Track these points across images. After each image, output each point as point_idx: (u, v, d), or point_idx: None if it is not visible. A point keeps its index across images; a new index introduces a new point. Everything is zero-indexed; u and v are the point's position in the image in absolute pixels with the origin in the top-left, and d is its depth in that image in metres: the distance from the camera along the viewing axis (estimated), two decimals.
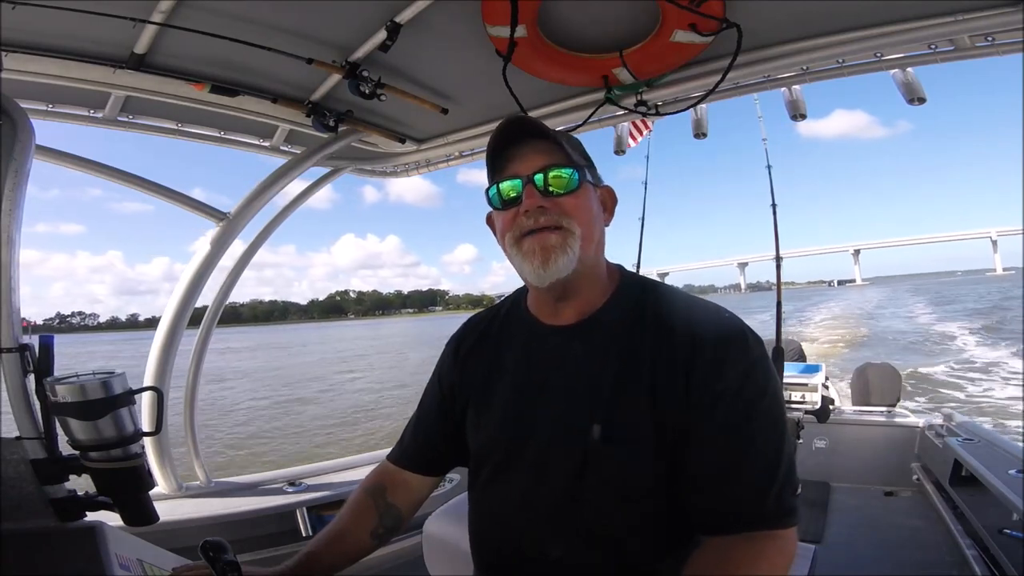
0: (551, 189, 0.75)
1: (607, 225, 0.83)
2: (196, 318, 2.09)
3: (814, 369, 3.14)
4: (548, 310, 0.82)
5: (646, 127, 2.63)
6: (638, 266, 3.57)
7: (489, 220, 0.84)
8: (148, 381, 1.85)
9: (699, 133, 2.14)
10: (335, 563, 0.85)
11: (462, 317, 1.01)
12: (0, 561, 0.75)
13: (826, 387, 3.11)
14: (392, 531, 0.91)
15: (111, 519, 0.87)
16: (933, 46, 1.49)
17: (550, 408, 0.76)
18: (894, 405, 3.28)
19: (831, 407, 3.03)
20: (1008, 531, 1.81)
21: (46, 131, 1.46)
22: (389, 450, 0.99)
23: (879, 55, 1.56)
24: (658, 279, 0.91)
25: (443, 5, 1.31)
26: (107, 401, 0.84)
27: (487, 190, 0.81)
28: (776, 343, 2.74)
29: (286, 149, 2.14)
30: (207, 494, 2.02)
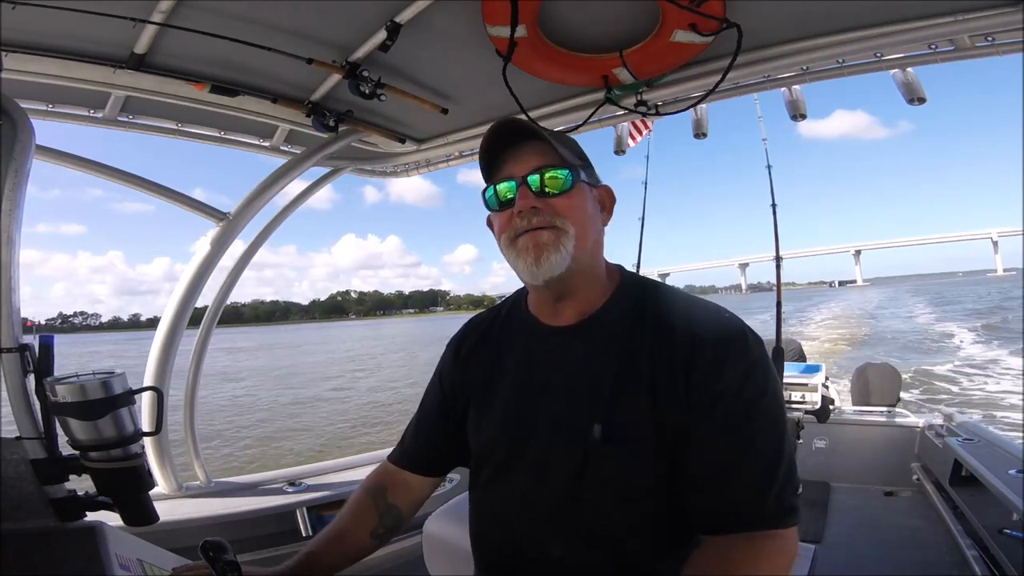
0: (545, 190, 0.76)
1: (605, 225, 0.83)
2: (196, 318, 2.09)
3: (814, 369, 3.14)
4: (548, 310, 0.82)
5: (646, 127, 2.63)
6: (638, 266, 3.57)
7: (489, 222, 0.85)
8: (148, 381, 1.85)
9: (699, 133, 2.14)
10: (335, 563, 0.85)
11: (464, 317, 1.01)
12: (0, 561, 0.75)
13: (826, 387, 3.11)
14: (392, 531, 0.91)
15: (111, 519, 0.87)
16: (933, 46, 1.49)
17: (551, 408, 0.76)
18: (894, 405, 3.28)
19: (831, 407, 3.02)
20: (1008, 531, 1.81)
21: (46, 131, 1.47)
22: (389, 450, 0.99)
23: (879, 55, 1.56)
24: (659, 279, 0.91)
25: (443, 5, 1.31)
26: (107, 401, 0.84)
27: (483, 192, 0.81)
28: (776, 343, 2.74)
29: (286, 149, 2.14)
30: (207, 494, 2.02)
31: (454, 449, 0.90)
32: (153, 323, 1.97)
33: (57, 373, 0.88)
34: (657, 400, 0.70)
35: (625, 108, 1.77)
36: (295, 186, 2.14)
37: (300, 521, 1.96)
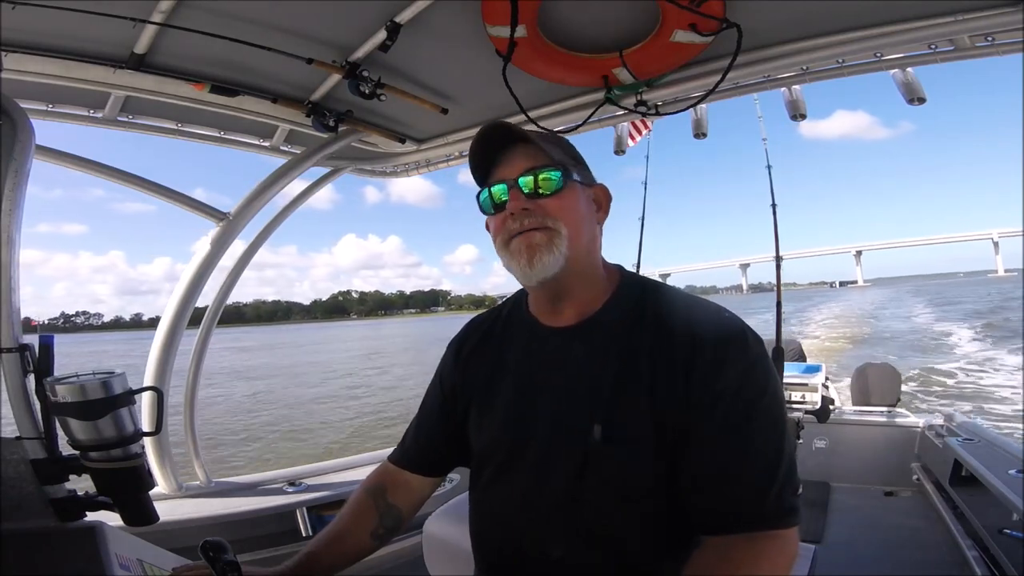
0: (537, 191, 0.76)
1: (600, 223, 0.83)
2: (196, 318, 2.09)
3: (814, 369, 3.14)
4: (547, 311, 0.82)
5: (646, 127, 2.63)
6: (638, 266, 3.57)
7: (487, 225, 0.85)
8: (148, 381, 1.85)
9: (699, 133, 2.14)
10: (335, 563, 0.85)
11: (465, 317, 1.01)
12: (0, 561, 0.75)
13: (826, 387, 3.11)
14: (392, 531, 0.91)
15: (111, 519, 0.87)
16: (933, 46, 1.49)
17: (551, 409, 0.76)
18: (894, 405, 3.28)
19: (831, 407, 3.02)
20: (1008, 531, 1.81)
21: (46, 131, 1.47)
22: (390, 450, 0.99)
23: (879, 55, 1.56)
24: (660, 280, 0.91)
25: (443, 5, 1.31)
26: (107, 401, 0.84)
27: (478, 195, 0.82)
28: (776, 343, 2.74)
29: (286, 149, 2.14)
30: (207, 494, 2.02)
31: (454, 449, 0.90)
32: (155, 323, 1.98)
33: (64, 373, 0.88)
34: (657, 400, 0.70)
35: (625, 108, 1.77)
36: (295, 186, 2.15)
37: (300, 521, 1.96)
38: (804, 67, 1.66)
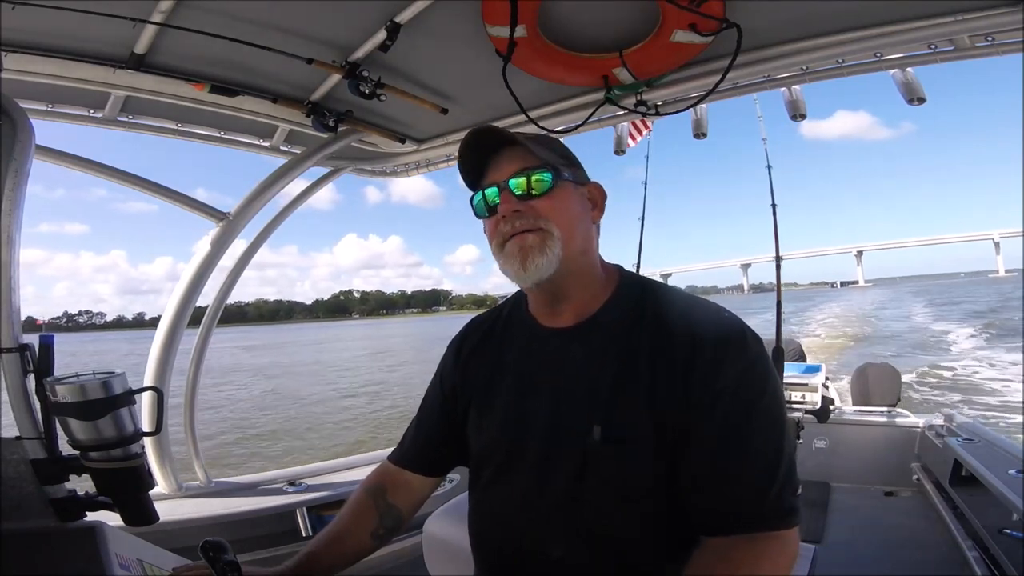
0: (528, 192, 0.76)
1: (596, 222, 0.83)
2: (196, 318, 2.09)
3: (814, 369, 3.14)
4: (546, 312, 0.82)
5: (646, 127, 2.63)
6: (638, 266, 3.57)
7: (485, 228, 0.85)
8: (148, 381, 1.84)
9: (699, 133, 2.14)
10: (335, 563, 0.85)
11: (467, 317, 1.01)
12: (0, 561, 0.75)
13: (826, 387, 3.11)
14: (392, 531, 0.91)
15: (111, 519, 0.87)
16: (933, 46, 1.49)
17: (550, 410, 0.76)
18: (894, 405, 3.28)
19: (831, 407, 3.02)
20: (1008, 531, 1.81)
21: (46, 131, 1.47)
22: (390, 450, 0.99)
23: (879, 55, 1.56)
24: (661, 280, 0.91)
25: (443, 5, 1.31)
26: (107, 401, 0.84)
27: (471, 199, 0.82)
28: (776, 343, 2.74)
29: (286, 149, 2.14)
30: (207, 494, 2.01)
31: (454, 449, 0.90)
32: (157, 322, 1.97)
33: (64, 373, 0.88)
34: (656, 400, 0.70)
35: (625, 108, 1.77)
36: (295, 186, 2.14)
37: (300, 521, 1.96)
38: (804, 67, 1.66)
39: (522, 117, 1.76)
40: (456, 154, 0.82)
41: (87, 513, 0.88)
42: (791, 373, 3.05)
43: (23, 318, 0.92)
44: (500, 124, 1.98)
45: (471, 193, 0.82)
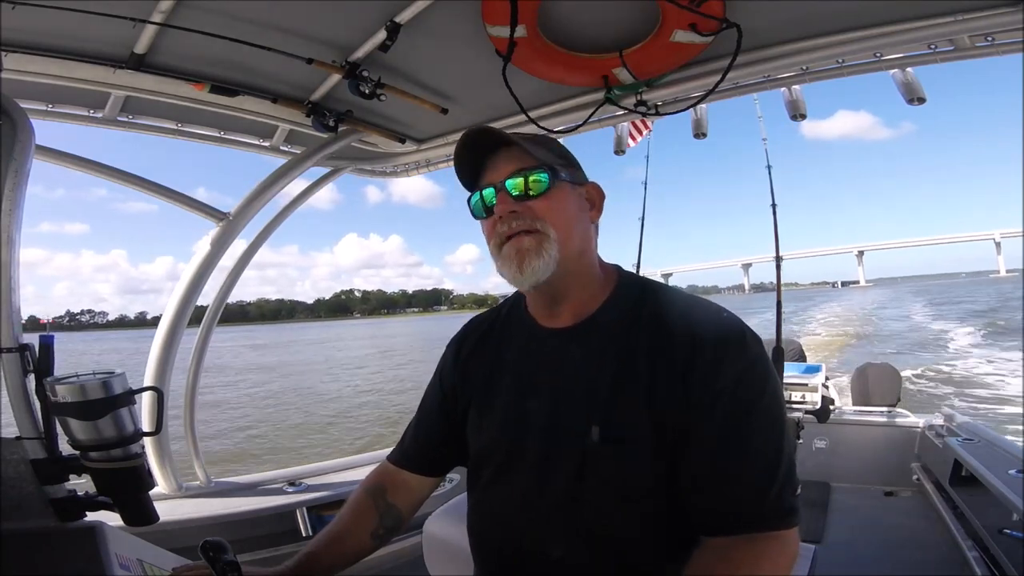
0: (525, 192, 0.76)
1: (594, 222, 0.83)
2: (196, 318, 2.09)
3: (814, 369, 3.14)
4: (545, 313, 0.82)
5: (646, 127, 2.63)
6: (638, 266, 3.57)
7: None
8: (148, 381, 1.85)
9: (699, 133, 2.14)
10: (335, 563, 0.85)
11: (468, 316, 1.01)
12: (0, 561, 0.75)
13: (826, 387, 3.11)
14: (392, 531, 0.91)
15: (111, 519, 0.87)
16: (933, 46, 1.49)
17: (549, 410, 0.76)
18: (894, 405, 3.27)
19: (831, 407, 3.02)
20: (1008, 531, 1.81)
21: (46, 131, 1.47)
22: (389, 450, 0.99)
23: (879, 55, 1.56)
24: (662, 279, 0.91)
25: (443, 5, 1.31)
26: (107, 401, 0.84)
27: (468, 200, 0.82)
28: (776, 343, 2.74)
29: (286, 149, 2.14)
30: (207, 494, 2.02)
31: (454, 449, 0.90)
32: (159, 321, 1.97)
33: (64, 373, 0.88)
34: (655, 400, 0.70)
35: (625, 108, 1.77)
36: (295, 186, 2.14)
37: (300, 521, 1.96)
38: (804, 67, 1.66)
39: (522, 117, 1.76)
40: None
41: (87, 513, 0.88)
42: (791, 373, 3.05)
43: (25, 318, 0.92)
44: (500, 124, 1.98)
45: (469, 193, 0.83)
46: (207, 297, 2.08)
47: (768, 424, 0.69)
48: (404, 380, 15.49)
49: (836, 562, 2.16)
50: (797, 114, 1.93)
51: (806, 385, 3.00)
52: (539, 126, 1.83)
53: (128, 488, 0.91)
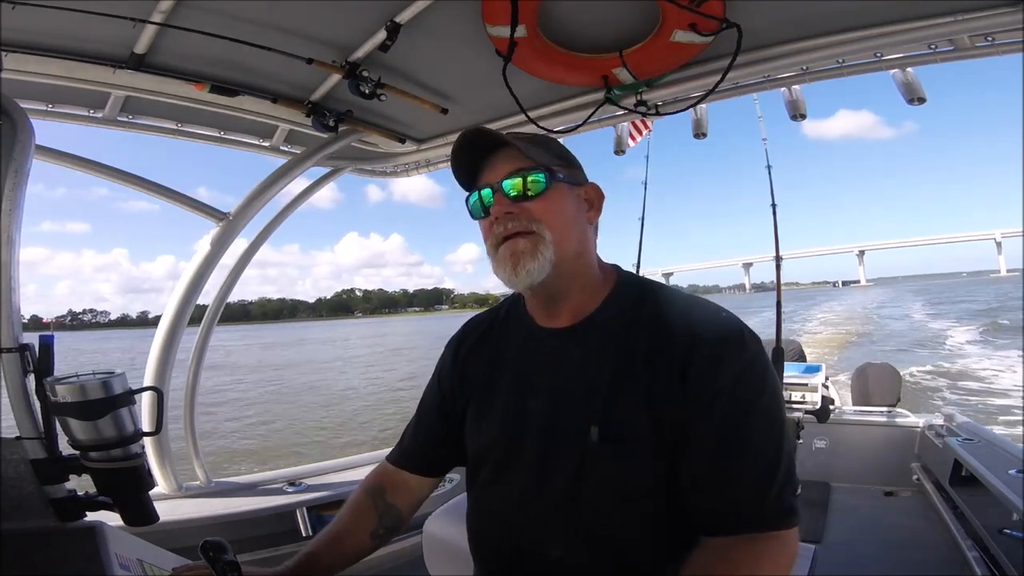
0: (522, 193, 0.76)
1: (592, 223, 0.83)
2: (197, 317, 2.09)
3: (814, 369, 3.14)
4: (543, 313, 0.82)
5: (646, 127, 2.63)
6: (638, 266, 3.57)
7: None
8: (148, 381, 1.85)
9: (699, 133, 2.14)
10: (335, 563, 0.85)
11: (470, 315, 1.02)
12: (0, 561, 0.75)
13: (826, 387, 3.11)
14: (392, 531, 0.91)
15: (111, 519, 0.87)
16: (933, 46, 1.49)
17: (548, 410, 0.76)
18: (894, 405, 3.27)
19: (831, 407, 3.02)
20: (1008, 531, 1.81)
21: (46, 131, 1.47)
22: (389, 450, 0.99)
23: (879, 55, 1.56)
24: (663, 279, 0.91)
25: (443, 5, 1.30)
26: (107, 401, 0.85)
27: (466, 200, 0.82)
28: (776, 343, 2.74)
29: (286, 149, 2.14)
30: (207, 494, 2.02)
31: (453, 449, 0.90)
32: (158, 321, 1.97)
33: (64, 373, 0.88)
34: (654, 399, 0.70)
35: (625, 108, 1.77)
36: (295, 186, 2.15)
37: (300, 521, 1.96)
38: (804, 67, 1.66)
39: (522, 117, 1.76)
40: None
41: (87, 513, 0.89)
42: (791, 373, 3.05)
43: (27, 317, 0.92)
44: (500, 124, 1.98)
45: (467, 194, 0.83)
46: (207, 297, 2.08)
47: (767, 424, 0.69)
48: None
49: (836, 562, 2.16)
50: (797, 114, 1.93)
51: (806, 385, 3.00)
52: (539, 126, 1.83)
53: (128, 488, 0.91)
